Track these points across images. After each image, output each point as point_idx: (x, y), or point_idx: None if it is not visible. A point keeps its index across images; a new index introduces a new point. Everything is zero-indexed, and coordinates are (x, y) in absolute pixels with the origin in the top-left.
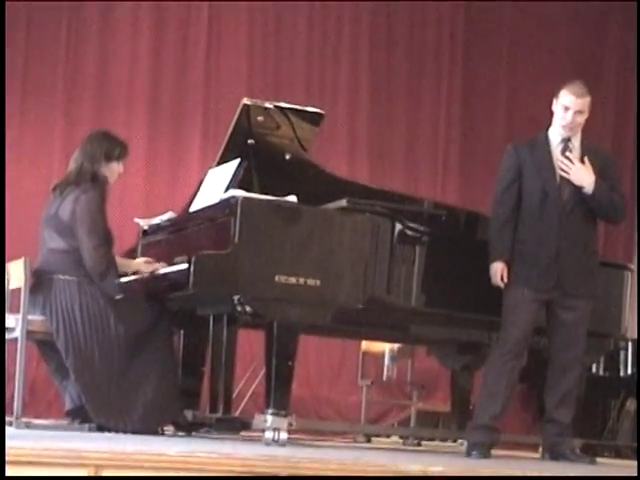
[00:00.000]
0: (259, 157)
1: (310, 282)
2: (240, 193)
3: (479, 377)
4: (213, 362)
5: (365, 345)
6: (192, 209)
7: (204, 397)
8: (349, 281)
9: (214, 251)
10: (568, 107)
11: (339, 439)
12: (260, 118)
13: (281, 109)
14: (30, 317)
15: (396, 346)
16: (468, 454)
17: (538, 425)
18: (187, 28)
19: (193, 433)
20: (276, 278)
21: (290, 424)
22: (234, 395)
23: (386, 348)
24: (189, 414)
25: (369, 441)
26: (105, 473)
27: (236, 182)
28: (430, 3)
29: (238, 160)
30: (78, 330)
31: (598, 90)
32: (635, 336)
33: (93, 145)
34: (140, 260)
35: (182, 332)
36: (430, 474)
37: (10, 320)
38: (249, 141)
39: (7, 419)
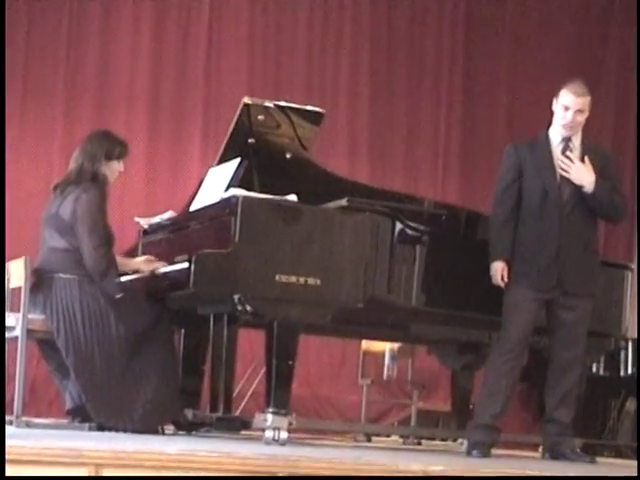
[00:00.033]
0: (259, 156)
1: (310, 281)
2: (240, 192)
3: (479, 377)
4: (213, 361)
5: (365, 344)
6: (192, 208)
7: (204, 396)
8: (349, 280)
9: (214, 250)
10: (568, 106)
11: (339, 438)
12: (260, 117)
13: (281, 108)
14: (30, 316)
15: (396, 345)
16: (468, 453)
17: (538, 424)
18: (187, 28)
19: (193, 432)
20: (276, 277)
21: (290, 423)
22: (234, 394)
23: (386, 347)
24: (189, 413)
25: (369, 440)
26: (105, 472)
27: (236, 181)
28: (431, 3)
29: (238, 159)
30: (78, 329)
31: (598, 90)
32: (635, 336)
33: (93, 144)
34: (140, 259)
35: (182, 331)
36: (430, 473)
37: (10, 319)
38: (249, 140)
39: (7, 418)
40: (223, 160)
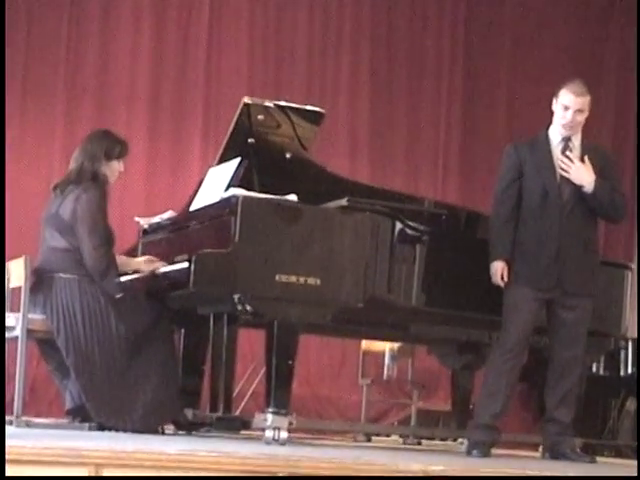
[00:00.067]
0: (259, 156)
1: (310, 281)
2: (240, 192)
3: (479, 376)
4: (213, 361)
5: (365, 344)
6: (192, 208)
7: (204, 396)
8: (349, 280)
9: (214, 250)
10: (568, 106)
11: (339, 438)
12: (260, 117)
13: (281, 108)
14: (30, 316)
15: (396, 345)
16: (468, 453)
17: (538, 424)
18: (188, 28)
19: (193, 432)
20: (276, 277)
21: (290, 423)
22: (234, 394)
23: (386, 347)
24: (189, 413)
25: (369, 440)
26: (105, 472)
27: (236, 181)
28: (431, 3)
29: (238, 159)
30: (79, 329)
31: (598, 89)
32: (635, 335)
33: (93, 144)
34: (141, 259)
35: (182, 331)
36: (430, 473)
37: (10, 319)
38: (249, 140)
39: (7, 418)
40: (223, 160)
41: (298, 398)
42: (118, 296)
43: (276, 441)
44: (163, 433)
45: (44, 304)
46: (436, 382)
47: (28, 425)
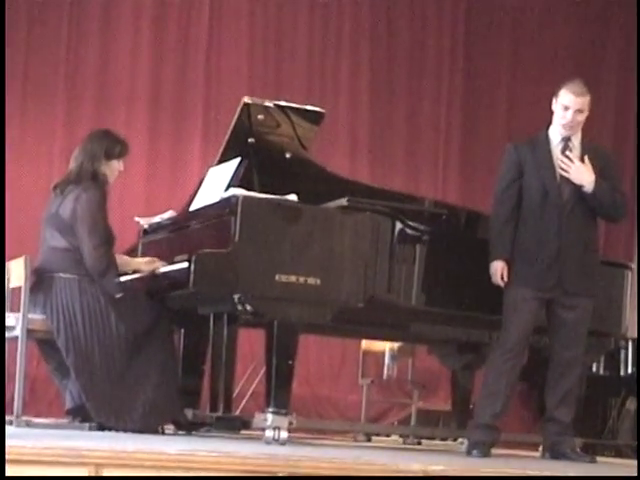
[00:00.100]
0: (259, 156)
1: (310, 281)
2: (240, 192)
3: (480, 376)
4: (213, 361)
5: (365, 344)
6: (192, 208)
7: (204, 396)
8: (349, 280)
9: (214, 250)
10: (568, 106)
11: (339, 438)
12: (260, 117)
13: (281, 108)
14: (30, 316)
15: (396, 345)
16: (468, 453)
17: (538, 424)
18: (188, 28)
19: (193, 432)
20: (276, 277)
21: (290, 423)
22: (234, 394)
23: (386, 347)
24: (189, 413)
25: (369, 440)
26: (105, 472)
27: (237, 181)
28: (431, 3)
29: (238, 159)
30: (79, 329)
31: (598, 89)
32: (635, 335)
33: (93, 144)
34: (141, 259)
35: (182, 331)
36: (431, 473)
37: (10, 319)
38: (249, 140)
39: (8, 418)
40: (223, 160)
41: (298, 398)
42: (118, 296)
43: (276, 441)
44: (163, 433)
45: (44, 304)
46: (436, 382)
47: (28, 425)
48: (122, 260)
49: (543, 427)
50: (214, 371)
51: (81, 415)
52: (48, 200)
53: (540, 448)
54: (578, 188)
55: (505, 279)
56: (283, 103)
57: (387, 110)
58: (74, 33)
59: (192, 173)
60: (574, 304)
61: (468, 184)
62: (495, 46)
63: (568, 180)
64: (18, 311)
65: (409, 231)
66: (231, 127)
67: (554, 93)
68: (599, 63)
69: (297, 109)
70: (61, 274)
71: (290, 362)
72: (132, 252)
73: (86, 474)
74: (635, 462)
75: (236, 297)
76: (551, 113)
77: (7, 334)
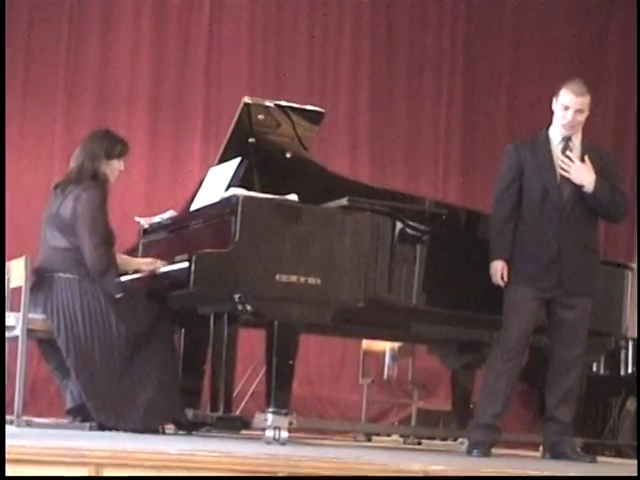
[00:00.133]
0: (260, 156)
1: (311, 281)
2: (241, 192)
3: (480, 376)
4: (214, 361)
5: (366, 344)
6: (193, 208)
7: (205, 396)
8: (350, 280)
9: (215, 250)
10: (568, 106)
11: (340, 438)
12: (261, 117)
13: (282, 107)
14: (31, 315)
15: (397, 345)
16: (469, 453)
17: (539, 424)
18: (188, 28)
19: (194, 432)
20: (277, 277)
21: (291, 423)
22: (235, 394)
23: (387, 347)
24: (190, 413)
25: (370, 440)
26: (106, 472)
27: (237, 181)
28: (431, 2)
29: (239, 159)
30: (79, 329)
31: (599, 89)
32: (635, 335)
33: (94, 143)
34: (142, 259)
35: (183, 331)
36: (431, 473)
37: (11, 319)
38: (250, 140)
39: (8, 417)
40: (223, 160)
41: (298, 398)
42: (118, 296)
43: (276, 441)
44: (163, 433)
45: (44, 304)
46: (436, 382)
47: (28, 425)
48: (122, 260)
49: (543, 427)
50: (214, 371)
51: (81, 415)
52: (48, 200)
53: (540, 448)
54: (578, 188)
55: (505, 279)
56: (283, 103)
57: (387, 110)
58: (74, 33)
59: (192, 173)
60: (574, 304)
61: (468, 184)
62: (495, 46)
63: (568, 180)
64: (18, 311)
65: (409, 231)
66: (231, 127)
67: (554, 93)
68: (599, 63)
69: (297, 109)
70: (61, 274)
71: (290, 362)
72: (132, 252)
73: (86, 474)
74: (635, 462)
75: (236, 297)
76: (551, 113)
77: (7, 334)
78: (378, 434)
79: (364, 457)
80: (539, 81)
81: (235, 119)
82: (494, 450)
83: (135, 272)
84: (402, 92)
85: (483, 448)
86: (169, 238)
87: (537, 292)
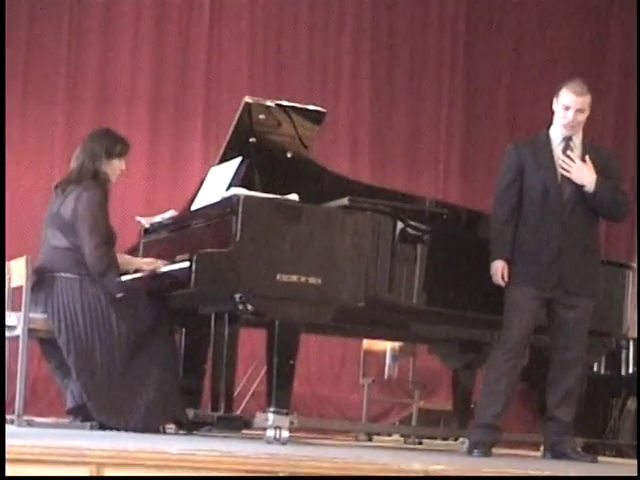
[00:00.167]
0: (261, 155)
1: (312, 280)
2: (242, 191)
3: (481, 376)
4: (214, 360)
5: (366, 343)
6: (194, 207)
7: (206, 395)
8: (351, 280)
9: (216, 249)
10: (569, 106)
11: (340, 437)
12: (261, 116)
13: (282, 107)
14: (32, 315)
15: (397, 344)
16: (469, 453)
17: (539, 424)
18: (188, 28)
19: (195, 431)
20: (277, 276)
21: (291, 422)
22: (235, 393)
23: (387, 346)
24: (191, 412)
25: (370, 440)
26: (107, 472)
27: (238, 180)
28: (432, 2)
29: (240, 158)
30: (80, 328)
31: (599, 89)
32: (636, 335)
33: (94, 143)
34: (143, 259)
35: (183, 330)
36: (432, 473)
37: (12, 318)
38: (251, 139)
39: (9, 417)
40: (224, 159)
41: (299, 397)
42: (119, 295)
43: (277, 440)
44: (164, 432)
45: (45, 303)
46: (437, 381)
47: (29, 424)
48: (123, 259)
49: (544, 427)
50: (215, 371)
51: (82, 414)
52: (49, 199)
53: (541, 448)
54: (579, 188)
55: (506, 279)
56: (284, 102)
57: (388, 110)
58: (75, 33)
59: (193, 173)
60: (575, 304)
61: (469, 184)
62: (496, 46)
63: (569, 180)
64: (19, 310)
65: (410, 231)
66: (232, 127)
67: (554, 93)
68: (600, 63)
69: (298, 108)
70: (62, 274)
71: (291, 362)
72: (133, 252)
73: (87, 474)
74: (636, 462)
75: (237, 297)
76: (552, 113)
77: (8, 333)
78: (379, 434)
79: (365, 457)
80: (539, 81)
81: (236, 119)
82: (495, 450)
83: (136, 272)
84: (403, 92)
85: (484, 448)
86: (170, 238)
87: (537, 292)
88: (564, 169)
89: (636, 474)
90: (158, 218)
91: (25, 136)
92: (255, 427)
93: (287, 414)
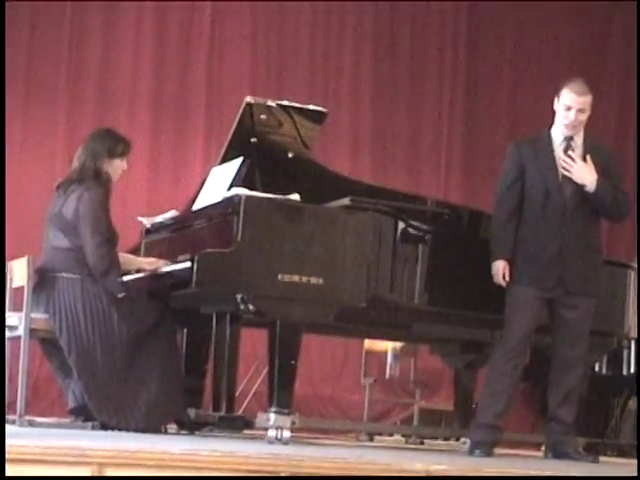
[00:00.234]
0: (262, 155)
1: (313, 281)
2: (243, 191)
3: (482, 375)
4: (216, 360)
5: (368, 343)
6: (195, 207)
7: (207, 395)
8: (352, 280)
9: (217, 249)
10: (570, 106)
11: (342, 437)
12: (263, 116)
13: (284, 107)
14: (33, 315)
15: (399, 344)
16: (471, 453)
17: (541, 424)
18: (190, 28)
19: (196, 431)
20: (279, 277)
21: (293, 422)
22: (237, 393)
23: (389, 346)
24: (192, 412)
25: (372, 440)
26: (108, 472)
27: (239, 180)
28: (433, 2)
29: (241, 158)
30: (81, 328)
31: (600, 89)
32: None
33: (95, 142)
34: (144, 259)
35: (185, 330)
36: (433, 473)
37: (13, 318)
38: (252, 139)
39: (10, 417)
40: (226, 159)
41: (300, 397)
42: (120, 295)
43: (279, 440)
44: (166, 432)
45: (47, 303)
46: (439, 381)
47: (31, 424)
48: (125, 259)
49: (546, 427)
50: (217, 371)
51: (84, 414)
52: (51, 199)
53: (543, 448)
54: (580, 187)
55: (507, 279)
56: (285, 103)
57: (389, 110)
58: (76, 33)
59: (194, 173)
60: (576, 304)
61: (470, 184)
62: (497, 46)
63: (570, 179)
64: (21, 311)
65: (412, 231)
66: (233, 127)
67: (556, 93)
68: (600, 63)
69: (299, 108)
70: (64, 274)
71: (293, 362)
72: (135, 252)
73: (89, 474)
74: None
75: (239, 297)
76: (553, 113)
77: (10, 333)
78: (380, 434)
79: (366, 457)
80: (540, 81)
81: (237, 119)
82: (496, 450)
83: (137, 272)
84: (404, 92)
85: (485, 448)
86: (171, 238)
87: (539, 292)
88: (565, 169)
89: (636, 474)
90: (159, 218)
91: (26, 136)
92: (257, 427)
93: (289, 414)
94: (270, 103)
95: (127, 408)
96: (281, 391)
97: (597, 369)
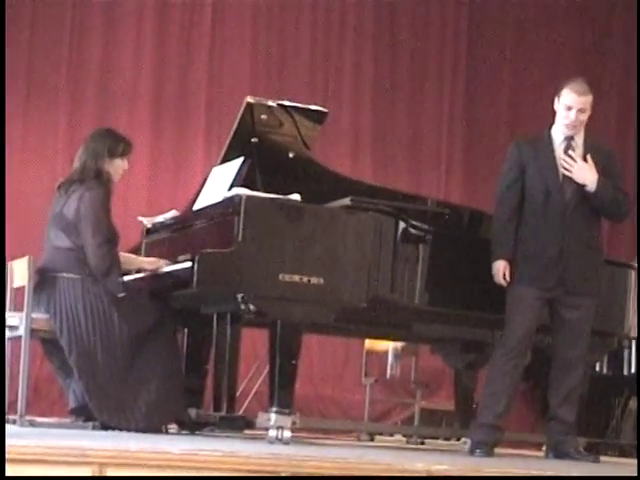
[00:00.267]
0: (262, 155)
1: (314, 281)
2: (244, 191)
3: (482, 375)
4: (217, 360)
5: (369, 343)
6: (196, 207)
7: (208, 395)
8: (353, 280)
9: (218, 249)
10: (570, 106)
11: (342, 437)
12: (263, 116)
13: (284, 107)
14: (34, 315)
15: (400, 344)
16: (471, 453)
17: (542, 423)
18: (190, 28)
19: (197, 431)
20: (280, 276)
21: (294, 422)
22: (238, 393)
23: (390, 346)
24: (193, 412)
25: (372, 440)
26: (109, 472)
27: (240, 180)
28: (434, 2)
29: (242, 158)
30: (82, 328)
31: (600, 88)
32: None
33: (96, 142)
34: (145, 258)
35: (186, 330)
36: (434, 473)
37: (14, 318)
38: (252, 139)
39: (11, 417)
40: (226, 159)
41: (301, 397)
42: (121, 295)
43: (279, 440)
44: (166, 432)
45: (47, 303)
46: (439, 381)
47: (31, 424)
48: (125, 258)
49: (546, 426)
50: (217, 371)
51: (84, 414)
52: (52, 200)
53: (543, 447)
54: (581, 187)
55: (507, 278)
56: (286, 103)
57: (390, 110)
58: (77, 33)
59: (195, 173)
60: (576, 303)
61: (471, 184)
62: (497, 46)
63: (571, 179)
64: (22, 310)
65: (412, 231)
66: (234, 127)
67: (556, 93)
68: (601, 62)
69: (300, 108)
70: (64, 274)
71: (293, 362)
72: (135, 251)
73: (90, 474)
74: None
75: (239, 297)
76: (553, 112)
77: (11, 333)
78: (381, 434)
79: (367, 457)
80: (541, 81)
81: (238, 119)
82: (497, 450)
83: (138, 271)
84: (404, 92)
85: (486, 448)
86: (172, 238)
87: (539, 292)
88: (566, 169)
89: (637, 474)
90: (160, 218)
91: (27, 136)
92: (257, 427)
93: (289, 414)
94: (271, 103)
95: (128, 408)
96: (282, 391)
97: (598, 369)
